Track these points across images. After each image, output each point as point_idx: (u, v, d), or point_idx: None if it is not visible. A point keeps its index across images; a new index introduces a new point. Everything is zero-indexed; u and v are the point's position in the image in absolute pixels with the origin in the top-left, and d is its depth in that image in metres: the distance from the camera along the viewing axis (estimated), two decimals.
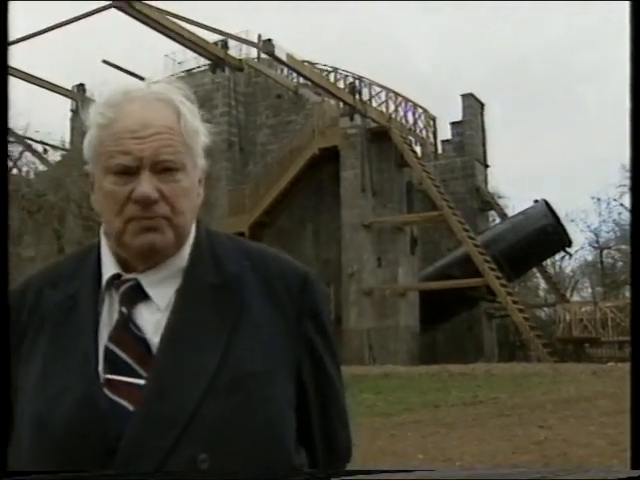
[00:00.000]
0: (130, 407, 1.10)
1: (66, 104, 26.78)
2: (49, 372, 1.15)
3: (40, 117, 46.63)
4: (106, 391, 1.11)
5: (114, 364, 1.14)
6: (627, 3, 1.23)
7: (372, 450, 7.28)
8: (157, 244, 1.16)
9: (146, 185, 1.13)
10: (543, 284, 32.33)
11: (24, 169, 21.43)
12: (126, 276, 1.19)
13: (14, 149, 21.91)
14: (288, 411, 1.19)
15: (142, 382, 1.12)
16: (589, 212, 42.15)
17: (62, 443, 1.10)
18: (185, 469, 1.08)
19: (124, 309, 1.17)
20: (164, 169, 1.15)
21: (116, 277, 1.20)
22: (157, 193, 1.14)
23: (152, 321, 1.16)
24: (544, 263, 28.41)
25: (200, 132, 1.22)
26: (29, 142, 22.19)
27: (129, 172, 1.14)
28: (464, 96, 28.03)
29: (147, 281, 1.19)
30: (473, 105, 28.14)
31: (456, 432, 8.62)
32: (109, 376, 1.13)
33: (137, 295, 1.18)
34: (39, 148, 22.68)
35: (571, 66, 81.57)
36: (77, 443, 1.09)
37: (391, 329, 21.96)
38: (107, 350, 1.15)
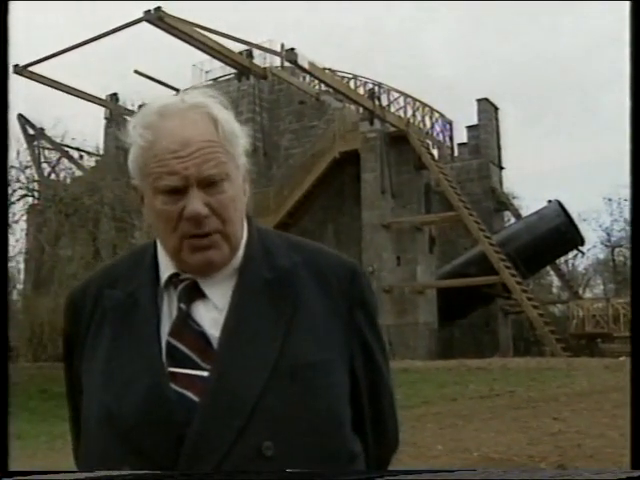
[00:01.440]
0: (195, 398, 1.12)
1: (100, 113, 27.32)
2: (115, 366, 1.17)
3: (76, 125, 48.20)
4: (170, 383, 1.13)
5: (176, 358, 1.15)
6: (627, 3, 1.24)
7: None
8: (215, 260, 1.19)
9: (196, 202, 1.14)
10: (557, 281, 32.32)
11: (61, 174, 21.69)
12: (184, 275, 1.21)
13: (52, 156, 22.46)
14: (344, 398, 1.20)
15: (204, 374, 1.14)
16: (601, 212, 42.00)
17: (133, 432, 1.12)
18: (250, 456, 1.10)
19: (183, 305, 1.19)
20: (210, 182, 1.16)
21: (174, 276, 1.22)
22: (206, 208, 1.15)
23: (209, 317, 1.18)
24: (557, 261, 28.53)
25: (239, 135, 1.22)
26: (66, 149, 22.63)
27: (177, 191, 1.15)
28: (479, 101, 28.32)
29: (204, 282, 1.21)
30: (488, 109, 28.37)
31: (473, 424, 8.61)
32: (172, 369, 1.14)
33: (195, 293, 1.20)
34: (75, 154, 22.98)
35: (583, 69, 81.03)
36: (148, 431, 1.11)
37: (410, 325, 22.19)
38: (169, 344, 1.16)
